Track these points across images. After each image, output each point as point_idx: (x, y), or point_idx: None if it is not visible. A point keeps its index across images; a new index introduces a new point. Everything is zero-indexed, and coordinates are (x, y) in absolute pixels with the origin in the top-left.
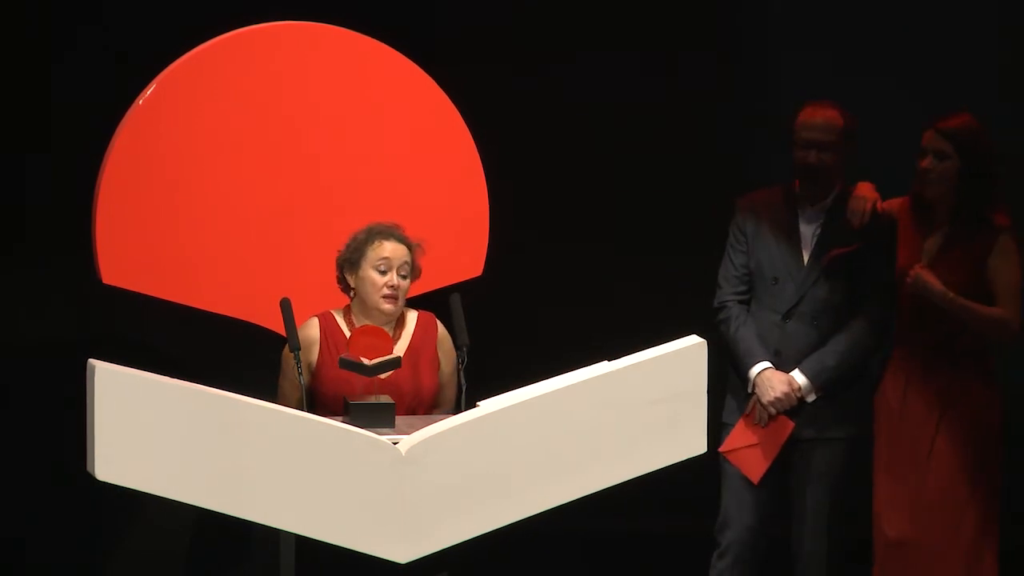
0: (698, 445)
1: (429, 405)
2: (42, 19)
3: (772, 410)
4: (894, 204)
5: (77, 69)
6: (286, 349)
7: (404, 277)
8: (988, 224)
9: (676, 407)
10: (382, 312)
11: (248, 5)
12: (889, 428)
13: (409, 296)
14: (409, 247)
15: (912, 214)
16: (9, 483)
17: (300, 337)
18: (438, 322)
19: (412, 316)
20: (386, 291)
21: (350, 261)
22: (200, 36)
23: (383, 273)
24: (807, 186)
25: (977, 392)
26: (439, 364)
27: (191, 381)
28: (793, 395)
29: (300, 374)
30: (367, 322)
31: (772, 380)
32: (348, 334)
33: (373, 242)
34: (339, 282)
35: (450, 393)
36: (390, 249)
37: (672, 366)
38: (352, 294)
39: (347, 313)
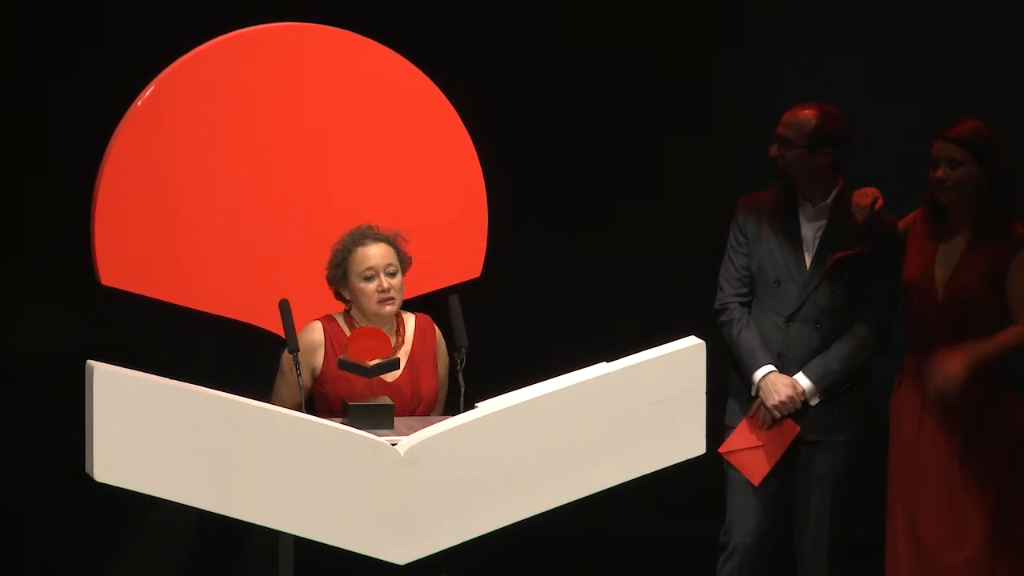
0: (697, 446)
1: (430, 407)
2: (41, 19)
3: (776, 413)
4: (908, 219)
5: (76, 70)
6: (286, 351)
7: (393, 275)
8: (1010, 232)
9: (675, 408)
10: (382, 315)
11: (247, 6)
12: (904, 453)
13: (409, 298)
14: (389, 242)
15: (925, 222)
16: (9, 483)
17: (304, 341)
18: (435, 325)
19: (410, 320)
20: (379, 296)
21: (337, 277)
22: (199, 37)
23: (371, 280)
24: (778, 183)
25: (997, 405)
26: (438, 367)
27: (189, 382)
28: (797, 399)
29: (299, 375)
30: (367, 326)
31: (776, 383)
32: None
33: (353, 252)
34: (336, 297)
35: (443, 396)
36: (372, 255)
37: (671, 367)
38: (350, 305)
39: (348, 318)
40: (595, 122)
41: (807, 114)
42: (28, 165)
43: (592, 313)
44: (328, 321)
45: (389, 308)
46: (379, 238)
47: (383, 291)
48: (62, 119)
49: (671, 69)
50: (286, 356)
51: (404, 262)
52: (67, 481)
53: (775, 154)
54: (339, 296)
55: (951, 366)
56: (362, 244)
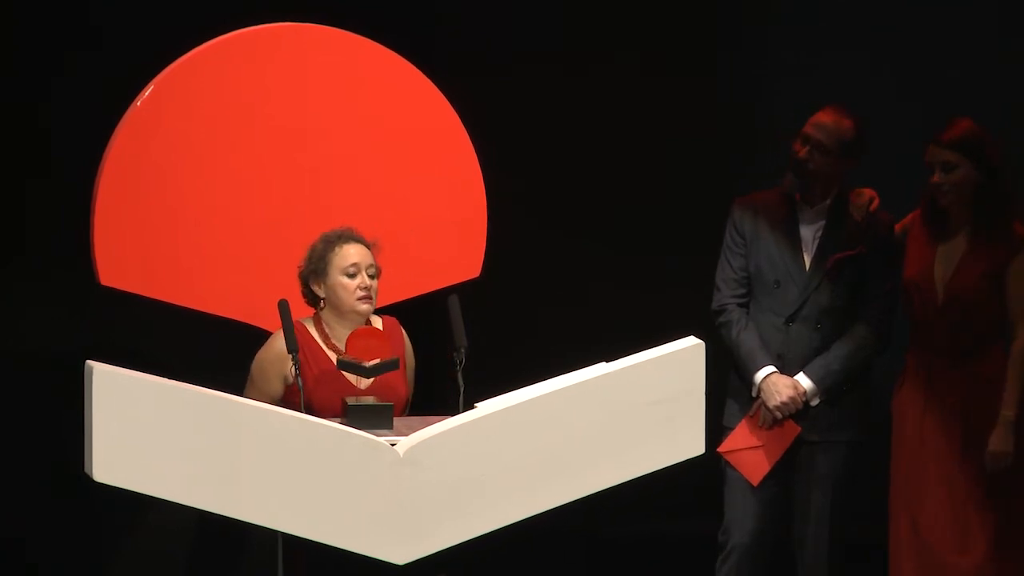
0: (696, 446)
1: (401, 410)
2: (42, 19)
3: (778, 414)
4: (906, 221)
5: (76, 70)
6: (257, 359)
7: (372, 277)
8: (1010, 232)
9: (674, 408)
10: (358, 314)
11: (247, 6)
12: (906, 453)
13: (407, 298)
14: (369, 247)
15: (924, 224)
16: (9, 483)
17: (275, 349)
18: (402, 327)
19: (377, 322)
20: (360, 293)
21: (315, 272)
22: (199, 37)
23: (353, 277)
24: (794, 181)
25: (999, 406)
26: (406, 369)
27: (189, 383)
28: (799, 399)
29: (298, 376)
30: (340, 328)
31: (778, 384)
32: (321, 343)
33: (335, 248)
34: (305, 296)
35: (410, 397)
36: (355, 253)
37: (670, 367)
38: (321, 304)
39: (317, 322)
40: (595, 122)
41: (847, 124)
42: (28, 165)
43: (592, 313)
44: (297, 327)
45: (366, 307)
46: (362, 241)
47: (364, 288)
48: (62, 119)
49: (671, 69)
50: (256, 365)
51: (378, 269)
52: (67, 481)
53: (804, 157)
54: (308, 294)
55: (996, 444)
56: (347, 242)
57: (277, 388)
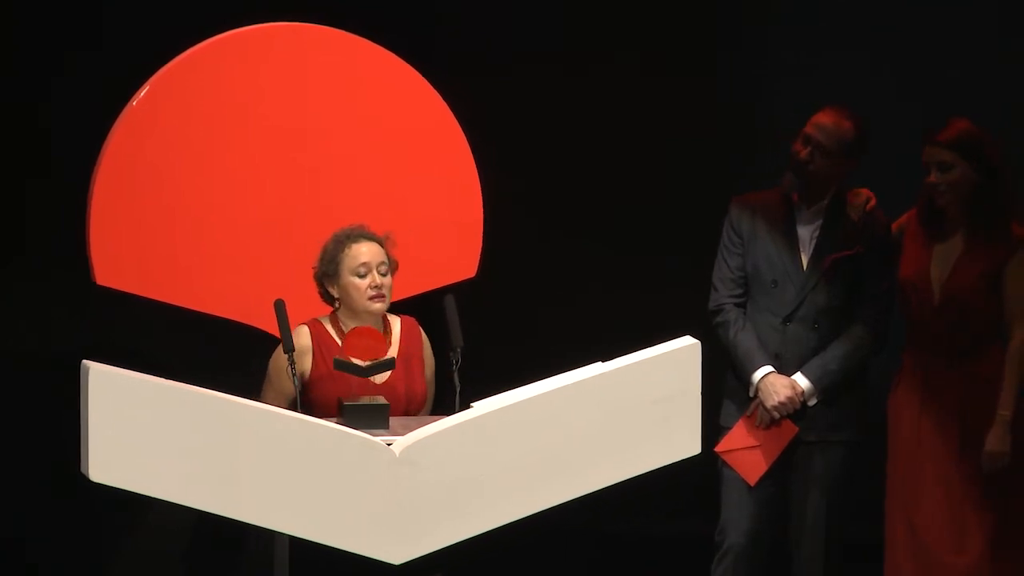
0: (692, 446)
1: (419, 409)
2: (41, 19)
3: (776, 414)
4: (901, 220)
5: (76, 70)
6: (274, 357)
7: (384, 275)
8: (1008, 232)
9: (670, 408)
10: (371, 313)
11: (246, 6)
12: (902, 454)
13: (404, 298)
14: (380, 243)
15: (921, 224)
16: (9, 483)
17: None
18: (420, 327)
19: (396, 322)
20: (371, 292)
21: (328, 273)
22: (198, 37)
23: (363, 276)
24: (793, 180)
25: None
26: (425, 368)
27: (187, 383)
28: (797, 399)
29: (295, 375)
30: (356, 326)
31: (776, 384)
32: (338, 340)
33: (345, 248)
34: (322, 296)
35: (431, 397)
36: (365, 252)
37: (666, 367)
38: (337, 304)
39: (334, 320)
40: (595, 122)
41: (847, 125)
42: (28, 165)
43: (592, 313)
44: (314, 324)
45: (379, 305)
46: (373, 238)
47: (376, 287)
48: (62, 119)
49: (671, 69)
50: (273, 363)
51: (393, 265)
52: (67, 481)
53: (805, 158)
54: (324, 295)
55: (992, 444)
56: (356, 241)
57: (292, 386)
